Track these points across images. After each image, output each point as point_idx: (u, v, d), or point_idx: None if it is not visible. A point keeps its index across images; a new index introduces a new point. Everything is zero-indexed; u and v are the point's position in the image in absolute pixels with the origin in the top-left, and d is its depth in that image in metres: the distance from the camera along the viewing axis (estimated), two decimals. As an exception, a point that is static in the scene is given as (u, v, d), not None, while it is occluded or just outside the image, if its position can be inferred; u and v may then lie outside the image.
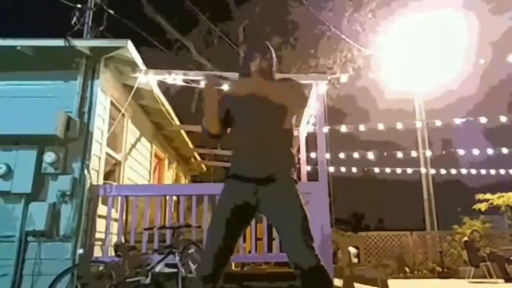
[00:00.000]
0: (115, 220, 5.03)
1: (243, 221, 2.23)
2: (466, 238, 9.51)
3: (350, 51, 15.60)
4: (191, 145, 9.34)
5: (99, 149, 5.10)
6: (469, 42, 11.91)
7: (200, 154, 10.86)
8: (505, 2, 12.81)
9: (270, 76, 2.42)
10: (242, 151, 2.30)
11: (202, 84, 6.00)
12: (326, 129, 5.69)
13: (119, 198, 4.94)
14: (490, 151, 11.30)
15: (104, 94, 5.26)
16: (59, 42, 4.86)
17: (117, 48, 5.00)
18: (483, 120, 9.62)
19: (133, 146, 6.61)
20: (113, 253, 4.25)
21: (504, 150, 11.26)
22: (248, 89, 2.31)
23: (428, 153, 13.64)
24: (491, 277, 8.86)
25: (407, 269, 10.83)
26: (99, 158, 5.10)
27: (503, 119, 9.46)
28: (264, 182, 2.18)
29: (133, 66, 5.41)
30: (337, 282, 5.92)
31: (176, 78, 5.64)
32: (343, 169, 12.15)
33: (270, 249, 4.98)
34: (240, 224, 2.22)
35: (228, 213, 2.17)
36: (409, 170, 13.30)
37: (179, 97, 11.84)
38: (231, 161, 2.34)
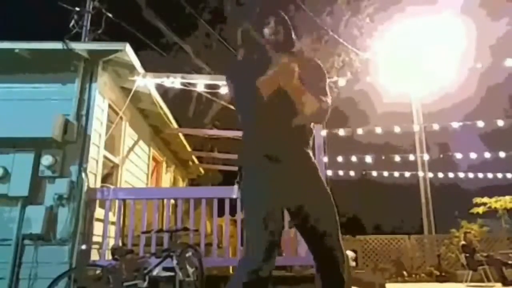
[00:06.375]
0: (113, 223, 5.01)
1: None
2: (463, 242, 9.53)
3: (347, 55, 15.64)
4: (189, 148, 9.34)
5: (96, 152, 5.09)
6: (466, 46, 11.98)
7: (198, 157, 10.85)
8: (501, 7, 12.92)
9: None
10: None
11: (200, 87, 6.02)
12: (324, 132, 5.70)
13: (117, 201, 4.93)
14: (487, 154, 11.34)
15: (102, 97, 5.25)
16: (57, 45, 4.85)
17: (115, 51, 5.00)
18: (480, 124, 9.66)
19: (131, 149, 6.59)
20: (110, 257, 4.23)
21: (501, 154, 11.31)
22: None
23: (426, 157, 13.66)
24: (488, 280, 8.87)
25: (405, 272, 10.83)
26: (97, 161, 5.09)
27: (500, 123, 9.51)
28: None
29: (131, 69, 5.42)
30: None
31: (174, 81, 5.65)
32: (341, 172, 12.17)
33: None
34: None
35: None
36: (407, 174, 13.35)
37: (177, 100, 11.83)
38: None
